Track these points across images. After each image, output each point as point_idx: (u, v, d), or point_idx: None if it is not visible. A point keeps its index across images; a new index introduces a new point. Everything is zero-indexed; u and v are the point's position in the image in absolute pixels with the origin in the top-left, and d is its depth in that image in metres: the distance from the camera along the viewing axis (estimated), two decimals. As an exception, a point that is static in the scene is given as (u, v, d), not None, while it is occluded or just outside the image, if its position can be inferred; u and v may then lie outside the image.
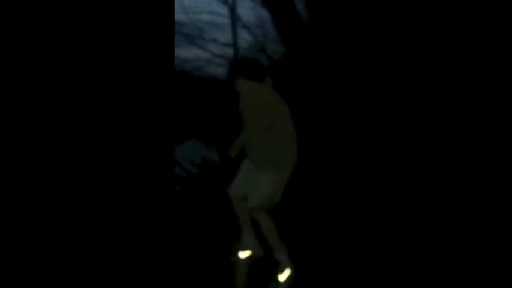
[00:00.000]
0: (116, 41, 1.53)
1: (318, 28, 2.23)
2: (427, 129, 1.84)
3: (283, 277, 2.84)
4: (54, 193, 1.46)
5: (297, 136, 2.82)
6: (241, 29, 8.60)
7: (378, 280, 1.84)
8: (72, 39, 1.51)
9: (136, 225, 1.53)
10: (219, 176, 3.46)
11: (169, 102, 1.56)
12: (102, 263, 1.49)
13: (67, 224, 1.47)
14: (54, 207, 1.46)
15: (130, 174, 1.54)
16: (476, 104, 1.77)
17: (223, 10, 9.23)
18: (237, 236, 3.15)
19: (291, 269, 2.86)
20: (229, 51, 8.47)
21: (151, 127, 1.56)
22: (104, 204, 1.50)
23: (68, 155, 1.48)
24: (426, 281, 1.79)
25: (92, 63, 1.52)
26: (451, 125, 1.84)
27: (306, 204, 3.91)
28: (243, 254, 3.12)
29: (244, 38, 8.71)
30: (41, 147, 1.48)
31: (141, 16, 1.56)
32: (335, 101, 1.61)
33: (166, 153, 1.57)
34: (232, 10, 9.11)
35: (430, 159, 1.82)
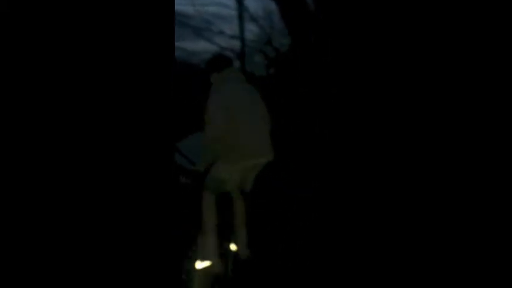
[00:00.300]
0: (115, 36, 1.52)
1: (321, 23, 2.18)
2: (423, 129, 1.80)
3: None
4: (50, 190, 1.46)
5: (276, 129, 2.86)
6: (249, 21, 8.55)
7: (367, 273, 1.84)
8: (71, 37, 1.50)
9: (136, 224, 1.52)
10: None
11: (169, 98, 1.55)
12: (101, 262, 1.49)
13: (65, 222, 1.48)
14: (51, 206, 1.46)
15: (130, 173, 1.53)
16: (478, 102, 1.72)
17: (231, 2, 9.18)
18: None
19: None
20: (236, 44, 8.43)
21: (151, 124, 1.55)
22: (102, 204, 1.50)
23: (66, 151, 1.49)
24: (416, 275, 1.78)
25: (92, 59, 1.52)
26: (451, 124, 1.80)
27: (295, 197, 3.93)
28: (201, 265, 2.76)
29: (251, 30, 8.66)
30: (41, 143, 1.48)
31: (140, 9, 1.54)
32: (335, 98, 1.58)
33: (167, 151, 1.57)
34: (240, 2, 9.05)
35: (426, 158, 1.78)
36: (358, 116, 1.77)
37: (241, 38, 8.43)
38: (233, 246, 3.12)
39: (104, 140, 1.50)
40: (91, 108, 1.50)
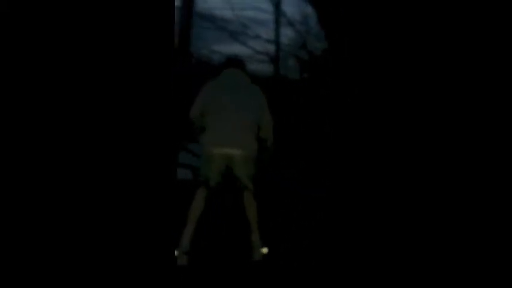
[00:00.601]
0: (116, 37, 1.53)
1: (356, 26, 2.13)
2: (440, 133, 1.71)
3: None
4: (52, 191, 1.47)
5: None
6: (285, 26, 8.56)
7: (376, 274, 1.77)
8: (72, 40, 1.50)
9: (136, 225, 1.51)
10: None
11: (169, 98, 1.55)
12: (102, 262, 1.48)
13: (67, 224, 1.47)
14: (51, 206, 1.46)
15: (131, 175, 1.53)
16: (500, 107, 1.60)
17: (268, 6, 9.25)
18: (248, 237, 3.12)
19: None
20: (271, 48, 8.46)
21: (151, 123, 1.55)
22: (102, 204, 1.49)
23: (66, 151, 1.49)
24: (426, 276, 1.68)
25: (93, 60, 1.52)
26: (474, 129, 1.69)
27: (308, 197, 3.86)
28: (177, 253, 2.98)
29: (287, 35, 8.66)
30: (43, 142, 1.49)
31: (140, 11, 1.54)
32: (356, 98, 1.52)
33: (167, 150, 1.56)
34: (277, 6, 9.08)
35: (442, 161, 1.69)
36: (377, 116, 1.70)
37: (277, 42, 8.45)
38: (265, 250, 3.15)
39: (104, 138, 1.48)
40: (91, 107, 1.47)
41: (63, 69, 1.49)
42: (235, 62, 3.28)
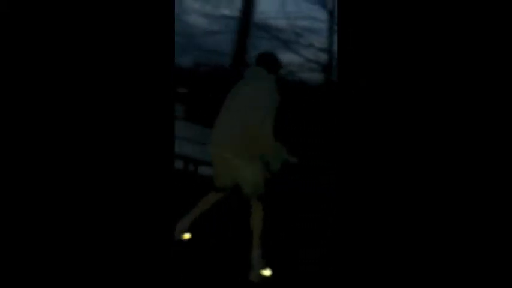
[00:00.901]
0: (116, 35, 1.55)
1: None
2: (450, 131, 1.71)
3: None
4: (49, 190, 1.48)
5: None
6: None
7: (385, 275, 1.79)
8: (73, 39, 1.52)
9: (135, 224, 1.52)
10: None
11: (170, 98, 1.60)
12: (100, 261, 1.48)
13: (65, 221, 1.48)
14: (49, 205, 1.48)
15: (131, 175, 1.54)
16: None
17: (323, 15, 9.37)
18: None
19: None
20: (323, 56, 8.56)
21: (152, 123, 1.57)
22: (101, 203, 1.51)
23: (65, 152, 1.51)
24: (434, 280, 1.71)
25: (92, 60, 1.54)
26: (480, 128, 1.70)
27: (316, 197, 3.85)
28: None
29: (340, 43, 8.68)
30: (44, 140, 1.51)
31: (140, 11, 1.56)
32: (363, 91, 1.46)
33: (167, 153, 1.60)
34: (330, 14, 9.19)
35: (452, 162, 1.69)
36: (386, 111, 1.67)
37: (329, 50, 8.55)
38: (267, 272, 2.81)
39: (104, 139, 1.53)
40: (91, 107, 1.52)
41: (63, 70, 1.51)
42: (259, 59, 2.93)
